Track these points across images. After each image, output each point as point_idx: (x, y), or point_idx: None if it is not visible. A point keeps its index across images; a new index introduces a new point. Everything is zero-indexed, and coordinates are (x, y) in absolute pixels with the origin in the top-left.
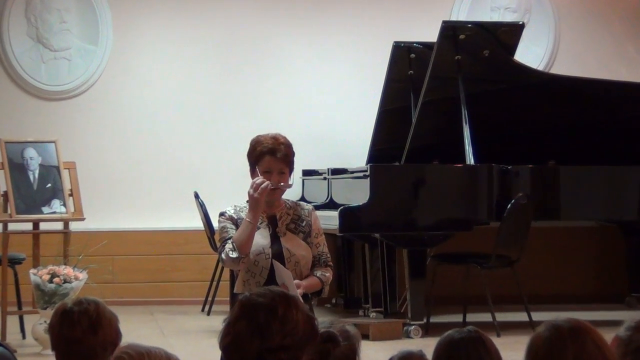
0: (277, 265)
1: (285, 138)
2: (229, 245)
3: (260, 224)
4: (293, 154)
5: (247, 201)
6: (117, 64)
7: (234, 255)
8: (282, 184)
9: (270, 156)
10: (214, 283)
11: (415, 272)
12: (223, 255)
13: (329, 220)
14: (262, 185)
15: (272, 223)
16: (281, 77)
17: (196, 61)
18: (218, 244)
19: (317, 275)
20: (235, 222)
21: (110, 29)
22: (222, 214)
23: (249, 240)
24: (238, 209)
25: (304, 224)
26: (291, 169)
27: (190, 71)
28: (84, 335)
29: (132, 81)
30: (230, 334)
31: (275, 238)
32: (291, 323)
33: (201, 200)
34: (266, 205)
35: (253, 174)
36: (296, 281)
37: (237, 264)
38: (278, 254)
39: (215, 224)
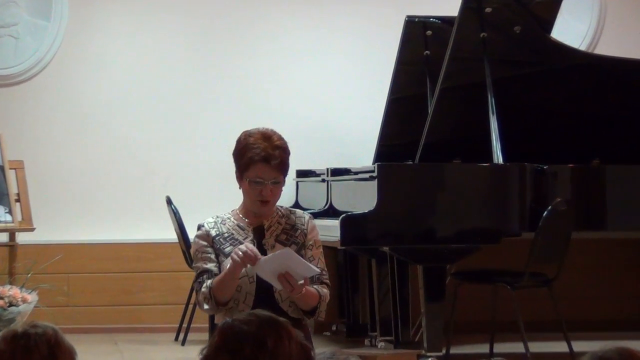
0: (266, 259)
1: (279, 137)
2: (204, 290)
3: (244, 239)
4: (289, 154)
5: (233, 211)
6: (74, 42)
7: (206, 306)
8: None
9: (263, 164)
10: (190, 307)
11: (432, 293)
12: (199, 297)
13: (329, 230)
14: (247, 254)
15: (259, 234)
16: (271, 59)
17: (169, 40)
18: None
19: (315, 287)
20: (212, 242)
21: (65, 0)
22: (199, 228)
23: (229, 293)
24: (220, 220)
25: (297, 234)
26: (286, 175)
27: (162, 52)
28: None
29: (91, 64)
30: None
31: (261, 253)
32: (283, 356)
33: (174, 207)
34: (254, 215)
35: (241, 180)
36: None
37: (213, 312)
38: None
39: (192, 236)
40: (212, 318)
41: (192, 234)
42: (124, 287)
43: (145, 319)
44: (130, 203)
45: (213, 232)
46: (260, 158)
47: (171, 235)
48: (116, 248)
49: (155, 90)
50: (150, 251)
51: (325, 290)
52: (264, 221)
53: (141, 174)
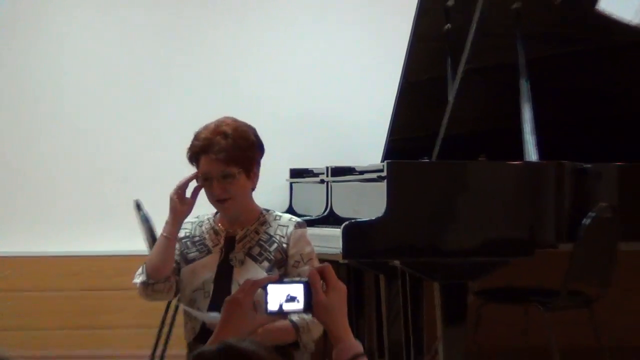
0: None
1: (234, 124)
2: (140, 269)
3: (213, 246)
4: (250, 146)
5: (215, 213)
6: (16, 11)
7: (137, 279)
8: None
9: (205, 156)
10: (165, 330)
11: (451, 314)
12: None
13: (328, 241)
14: (178, 183)
15: (229, 245)
16: (257, 37)
17: (137, 10)
18: None
19: (291, 319)
20: (187, 243)
21: None
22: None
23: (159, 260)
24: (198, 222)
25: (272, 249)
26: (248, 168)
27: (128, 25)
28: None
29: (39, 37)
30: None
31: (226, 268)
32: None
33: (145, 213)
34: (228, 221)
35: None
36: None
37: (145, 292)
38: (224, 291)
39: None
40: (188, 345)
41: None
42: (85, 308)
43: (110, 345)
44: (91, 208)
45: (182, 233)
46: (201, 148)
47: (140, 247)
48: (74, 262)
49: (120, 74)
50: (116, 265)
51: (308, 318)
52: (238, 230)
53: (104, 174)
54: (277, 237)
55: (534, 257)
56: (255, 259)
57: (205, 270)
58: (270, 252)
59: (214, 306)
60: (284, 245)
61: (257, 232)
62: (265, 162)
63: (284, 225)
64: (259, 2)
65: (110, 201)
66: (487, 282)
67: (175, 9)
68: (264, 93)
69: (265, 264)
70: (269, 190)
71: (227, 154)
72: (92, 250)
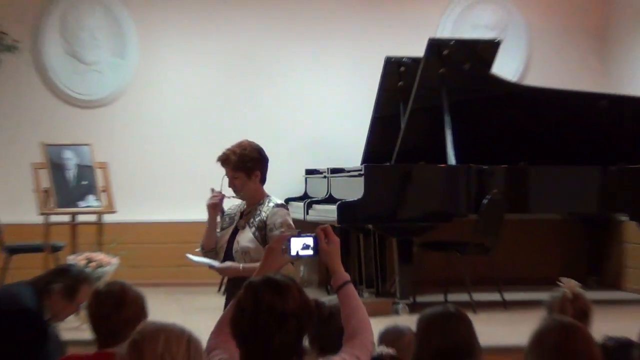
0: (194, 258)
1: (245, 145)
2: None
3: (236, 219)
4: (250, 160)
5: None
6: (143, 75)
7: (198, 248)
8: (220, 192)
9: (224, 165)
10: None
11: (403, 258)
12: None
13: (329, 213)
14: (210, 199)
15: (240, 218)
16: (287, 87)
17: (212, 73)
18: None
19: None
20: (226, 218)
21: (136, 44)
22: None
23: (206, 238)
24: (238, 205)
25: (257, 220)
26: (249, 173)
27: (207, 82)
28: (109, 312)
29: (156, 91)
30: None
31: (235, 231)
32: (292, 302)
33: None
34: (245, 203)
35: None
36: (226, 264)
37: (203, 255)
38: (230, 246)
39: None
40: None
41: None
42: (181, 254)
43: (195, 276)
44: (183, 193)
45: (228, 212)
46: (221, 160)
47: None
48: (175, 226)
49: (202, 110)
50: (198, 228)
51: None
52: (247, 207)
53: (190, 172)
54: (264, 213)
55: (452, 222)
56: (249, 226)
57: (227, 233)
58: (256, 221)
59: (225, 255)
60: (264, 218)
61: (256, 209)
62: (289, 166)
63: (268, 206)
64: (289, 70)
65: (197, 189)
66: (425, 238)
67: (240, 77)
68: (289, 122)
69: (253, 229)
70: (292, 183)
71: (233, 165)
72: (184, 219)
